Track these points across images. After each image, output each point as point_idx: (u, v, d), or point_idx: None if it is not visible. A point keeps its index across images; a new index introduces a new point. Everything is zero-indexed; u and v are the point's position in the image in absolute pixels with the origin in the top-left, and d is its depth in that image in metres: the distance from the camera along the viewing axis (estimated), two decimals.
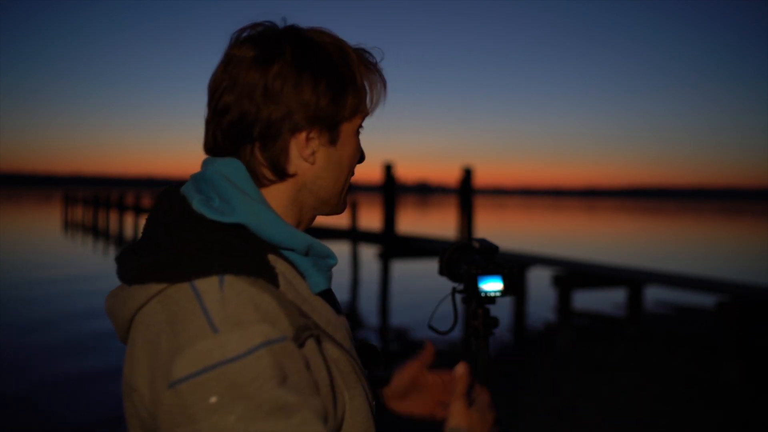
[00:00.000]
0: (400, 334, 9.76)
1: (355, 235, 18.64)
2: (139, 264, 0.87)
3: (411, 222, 37.99)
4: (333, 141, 0.98)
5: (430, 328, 1.78)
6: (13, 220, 38.07)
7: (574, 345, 8.64)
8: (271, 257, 0.90)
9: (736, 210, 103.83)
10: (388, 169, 17.73)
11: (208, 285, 0.83)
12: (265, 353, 0.79)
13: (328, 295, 1.07)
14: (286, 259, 0.93)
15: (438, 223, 41.86)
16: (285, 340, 0.82)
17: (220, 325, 0.79)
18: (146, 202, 34.27)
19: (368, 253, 19.43)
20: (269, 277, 0.87)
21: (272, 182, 0.96)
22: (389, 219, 17.08)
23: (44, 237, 26.37)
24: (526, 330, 9.66)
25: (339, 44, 0.99)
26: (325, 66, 0.95)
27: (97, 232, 28.72)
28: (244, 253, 0.87)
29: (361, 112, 1.00)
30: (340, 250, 20.10)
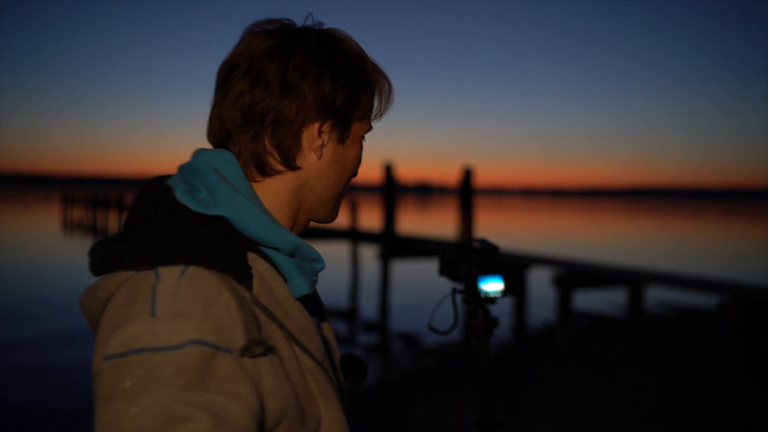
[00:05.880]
0: (400, 334, 9.75)
1: (355, 235, 18.63)
2: (108, 253, 0.84)
3: (411, 222, 37.99)
4: (342, 139, 0.98)
5: (430, 328, 1.77)
6: (12, 221, 38.05)
7: (574, 345, 8.62)
8: (251, 255, 0.86)
9: (736, 210, 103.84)
10: (388, 169, 17.72)
11: (169, 272, 0.79)
12: (193, 352, 0.74)
13: (312, 301, 1.05)
14: (267, 258, 0.89)
15: (438, 223, 41.85)
16: (226, 352, 0.76)
17: (161, 311, 0.75)
18: None
19: (368, 253, 19.42)
20: (241, 277, 0.83)
21: (276, 173, 0.95)
22: (389, 219, 17.06)
23: (43, 237, 26.36)
24: (526, 330, 9.65)
25: (356, 46, 1.00)
26: (345, 64, 0.96)
27: (96, 232, 28.71)
28: (218, 247, 0.83)
29: (369, 116, 1.02)
30: (340, 250, 20.10)
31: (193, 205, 0.86)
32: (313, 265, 0.94)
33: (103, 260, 0.84)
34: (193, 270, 0.80)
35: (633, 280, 9.32)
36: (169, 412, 0.71)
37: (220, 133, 0.95)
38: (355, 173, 1.03)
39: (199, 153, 0.94)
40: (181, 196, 0.87)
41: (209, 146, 0.98)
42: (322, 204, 1.00)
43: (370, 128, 1.03)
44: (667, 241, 31.85)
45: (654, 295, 11.70)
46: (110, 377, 0.74)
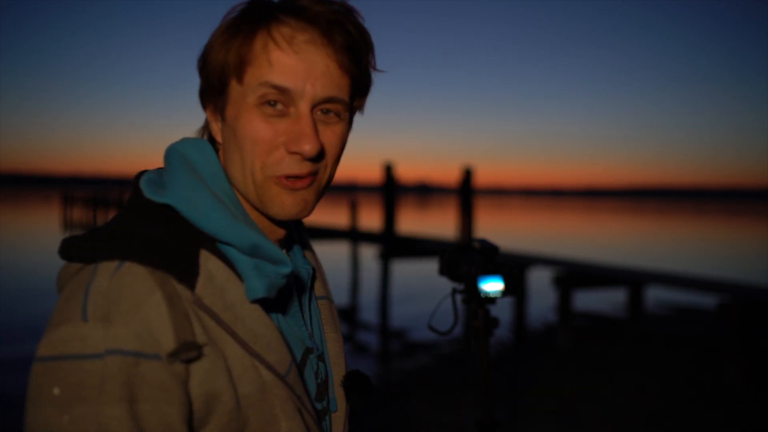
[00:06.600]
0: (400, 334, 9.74)
1: (355, 235, 18.63)
2: (70, 242, 0.82)
3: (411, 222, 37.98)
4: (221, 109, 0.87)
5: (430, 328, 1.77)
6: (12, 221, 38.05)
7: (574, 345, 8.63)
8: (204, 253, 0.80)
9: (736, 210, 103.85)
10: (388, 169, 17.73)
11: (104, 268, 0.76)
12: (112, 363, 0.70)
13: (312, 310, 0.99)
14: (223, 257, 0.81)
15: (438, 223, 41.84)
16: (153, 359, 0.72)
17: (92, 314, 0.72)
18: None
19: (368, 253, 19.43)
20: (182, 275, 0.77)
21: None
22: (389, 219, 17.07)
23: (43, 237, 26.35)
24: (526, 330, 9.65)
25: None
26: (228, 18, 0.86)
27: None
28: (161, 241, 0.78)
29: (248, 73, 0.83)
30: (340, 250, 20.11)
31: (148, 193, 0.82)
32: (276, 269, 0.83)
33: (64, 248, 0.82)
34: (127, 266, 0.75)
35: (633, 280, 9.32)
36: (100, 425, 0.70)
37: None
38: (256, 151, 0.83)
39: (179, 141, 0.90)
40: (142, 183, 0.84)
41: None
42: (244, 194, 0.88)
43: (277, 92, 0.82)
44: (667, 241, 31.84)
45: (654, 295, 11.70)
46: (39, 379, 0.72)
